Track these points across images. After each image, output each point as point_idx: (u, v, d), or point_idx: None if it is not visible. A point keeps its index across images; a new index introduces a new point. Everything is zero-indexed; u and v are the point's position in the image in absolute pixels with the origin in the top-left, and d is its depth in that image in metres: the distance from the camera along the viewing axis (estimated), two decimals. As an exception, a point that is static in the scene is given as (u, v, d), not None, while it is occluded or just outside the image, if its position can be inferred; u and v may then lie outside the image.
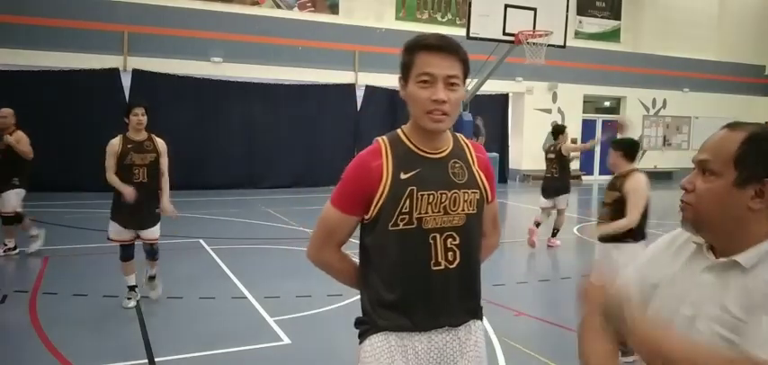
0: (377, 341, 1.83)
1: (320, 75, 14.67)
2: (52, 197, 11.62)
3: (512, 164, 18.08)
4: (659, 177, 18.63)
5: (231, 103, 14.20)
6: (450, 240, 1.81)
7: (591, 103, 19.63)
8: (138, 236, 5.33)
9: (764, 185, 1.26)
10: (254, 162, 14.44)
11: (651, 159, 20.13)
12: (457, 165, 1.84)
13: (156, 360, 4.28)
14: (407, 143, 1.83)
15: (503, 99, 17.85)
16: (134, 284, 5.43)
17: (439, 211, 1.79)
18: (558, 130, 9.22)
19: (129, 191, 5.07)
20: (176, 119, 13.55)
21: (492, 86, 14.73)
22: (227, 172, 14.19)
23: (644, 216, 4.39)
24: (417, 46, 1.78)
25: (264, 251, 8.09)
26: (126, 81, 13.08)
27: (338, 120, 15.15)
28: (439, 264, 1.80)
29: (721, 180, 1.30)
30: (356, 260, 1.97)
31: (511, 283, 6.78)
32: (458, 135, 1.94)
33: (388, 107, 15.39)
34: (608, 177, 4.33)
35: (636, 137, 8.86)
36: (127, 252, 5.35)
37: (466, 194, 1.83)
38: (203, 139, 14.00)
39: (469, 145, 1.94)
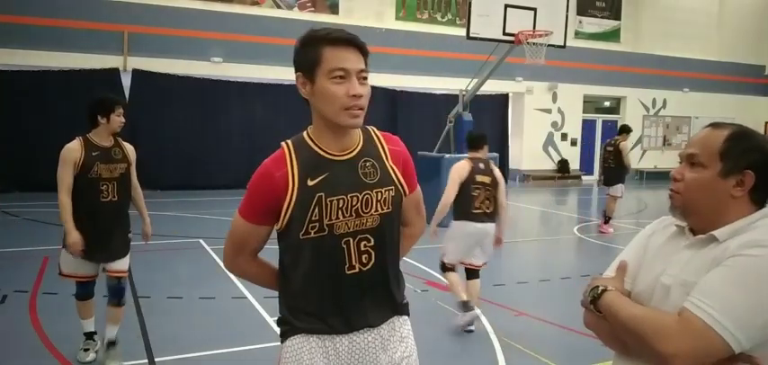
0: (297, 342, 1.80)
1: (320, 75, 14.66)
2: (52, 197, 11.60)
3: (512, 164, 18.08)
4: (659, 177, 18.63)
5: (231, 103, 14.20)
6: (364, 243, 1.76)
7: (591, 103, 19.63)
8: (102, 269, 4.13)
9: (745, 175, 1.46)
10: (254, 162, 13.92)
11: (651, 159, 20.14)
12: (368, 164, 1.78)
13: (156, 360, 4.28)
14: (313, 147, 1.76)
15: (503, 99, 17.85)
16: (93, 330, 4.23)
17: (350, 215, 1.73)
18: (623, 129, 10.31)
19: (76, 241, 3.83)
20: (176, 119, 13.58)
21: (492, 86, 14.72)
22: (228, 172, 14.17)
23: (462, 197, 4.97)
24: (322, 40, 1.70)
25: (264, 251, 8.07)
26: (126, 81, 13.07)
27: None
28: (353, 268, 1.76)
29: (708, 171, 1.49)
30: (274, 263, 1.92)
31: (511, 283, 6.78)
32: (369, 128, 1.87)
33: (388, 107, 15.41)
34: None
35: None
36: (86, 290, 4.13)
37: (379, 193, 1.77)
38: (203, 139, 14.00)
39: (381, 137, 1.87)
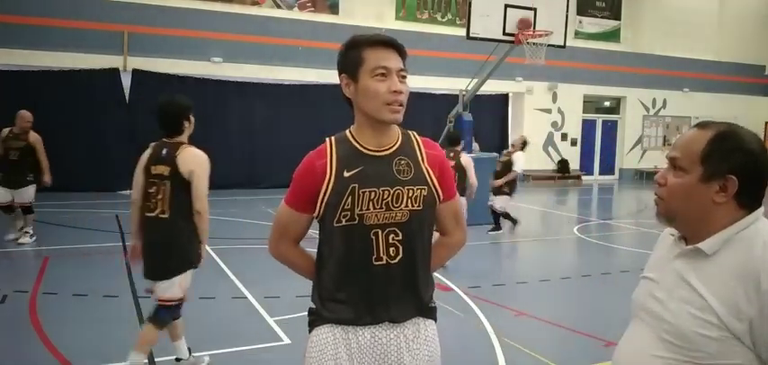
0: (322, 332, 1.90)
1: (320, 75, 14.66)
2: (52, 196, 11.60)
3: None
4: (659, 177, 18.62)
5: (231, 103, 14.19)
6: (392, 236, 1.84)
7: (591, 103, 19.63)
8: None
9: (727, 181, 1.38)
10: (254, 162, 14.44)
11: (651, 159, 20.14)
12: (402, 162, 1.87)
13: (156, 360, 4.28)
14: (353, 142, 1.88)
15: (503, 99, 17.85)
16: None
17: (381, 208, 1.82)
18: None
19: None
20: (176, 119, 13.57)
21: (492, 86, 14.72)
22: (227, 172, 14.15)
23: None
24: (364, 42, 1.84)
25: (264, 251, 8.03)
26: (126, 81, 13.07)
27: (338, 119, 14.99)
28: (380, 259, 1.84)
29: (689, 176, 1.42)
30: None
31: (511, 283, 6.77)
32: (410, 132, 1.97)
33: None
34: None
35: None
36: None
37: (410, 191, 1.85)
38: (203, 139, 13.66)
39: (420, 141, 1.96)
